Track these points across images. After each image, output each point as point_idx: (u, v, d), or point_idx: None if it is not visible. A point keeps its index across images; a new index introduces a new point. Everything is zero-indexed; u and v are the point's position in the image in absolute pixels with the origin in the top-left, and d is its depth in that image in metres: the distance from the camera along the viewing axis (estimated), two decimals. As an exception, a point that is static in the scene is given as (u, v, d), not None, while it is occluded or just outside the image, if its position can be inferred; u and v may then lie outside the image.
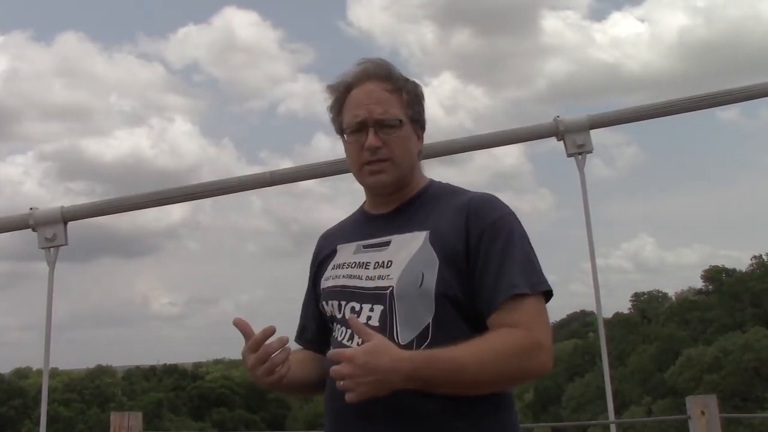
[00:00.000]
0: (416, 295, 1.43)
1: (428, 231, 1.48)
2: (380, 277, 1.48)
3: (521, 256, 1.45)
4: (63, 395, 43.66)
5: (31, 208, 3.65)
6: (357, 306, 1.49)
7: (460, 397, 1.39)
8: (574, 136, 3.71)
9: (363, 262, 1.53)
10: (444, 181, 1.65)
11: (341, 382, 1.32)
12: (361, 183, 1.61)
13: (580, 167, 3.74)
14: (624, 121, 3.98)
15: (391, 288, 1.45)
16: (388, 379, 1.31)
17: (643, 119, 4.02)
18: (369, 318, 1.46)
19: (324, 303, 1.59)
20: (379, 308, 1.46)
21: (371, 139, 1.51)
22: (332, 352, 1.38)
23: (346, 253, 1.59)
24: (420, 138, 1.62)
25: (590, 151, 3.73)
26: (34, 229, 3.61)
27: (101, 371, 52.73)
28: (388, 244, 1.52)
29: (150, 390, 49.19)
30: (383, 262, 1.50)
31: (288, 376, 1.48)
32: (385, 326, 1.43)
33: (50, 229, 3.58)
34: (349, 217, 1.71)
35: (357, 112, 1.54)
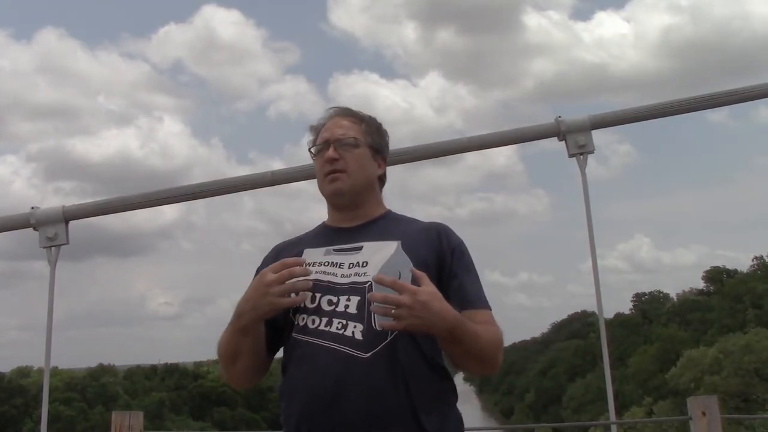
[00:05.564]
0: (392, 290, 1.56)
1: (399, 241, 1.73)
2: (356, 275, 1.68)
3: (478, 278, 1.80)
4: (64, 394, 43.69)
5: (32, 208, 3.66)
6: (334, 298, 1.65)
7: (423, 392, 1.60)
8: (575, 137, 3.71)
9: (336, 262, 1.72)
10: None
11: (393, 310, 1.50)
12: (323, 193, 1.86)
13: (582, 167, 3.73)
14: (626, 121, 3.97)
15: (369, 282, 1.63)
16: (436, 323, 1.53)
17: (645, 119, 4.00)
18: (347, 307, 1.63)
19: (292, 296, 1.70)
20: (356, 299, 1.63)
21: (330, 152, 1.80)
22: (393, 279, 1.55)
23: (314, 254, 1.76)
24: (381, 166, 1.90)
25: (591, 152, 3.72)
26: (35, 228, 3.62)
27: (103, 370, 52.79)
28: (360, 248, 1.74)
29: (151, 389, 49.25)
30: (358, 262, 1.70)
31: (258, 332, 1.67)
32: (363, 314, 1.61)
33: (51, 229, 3.59)
34: (307, 232, 1.92)
35: (323, 135, 1.86)
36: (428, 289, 1.54)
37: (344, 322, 1.61)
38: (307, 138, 1.95)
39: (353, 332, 1.60)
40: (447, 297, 1.65)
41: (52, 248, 3.60)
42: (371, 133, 1.88)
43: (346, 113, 1.90)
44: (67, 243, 3.63)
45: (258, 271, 1.84)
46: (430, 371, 1.64)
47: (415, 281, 1.58)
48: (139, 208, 3.91)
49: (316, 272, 1.70)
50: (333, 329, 1.61)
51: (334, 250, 1.76)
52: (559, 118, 3.77)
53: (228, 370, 1.75)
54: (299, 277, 1.61)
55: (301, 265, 1.64)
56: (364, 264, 1.69)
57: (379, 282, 1.56)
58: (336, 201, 1.84)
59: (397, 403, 1.56)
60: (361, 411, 1.54)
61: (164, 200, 3.84)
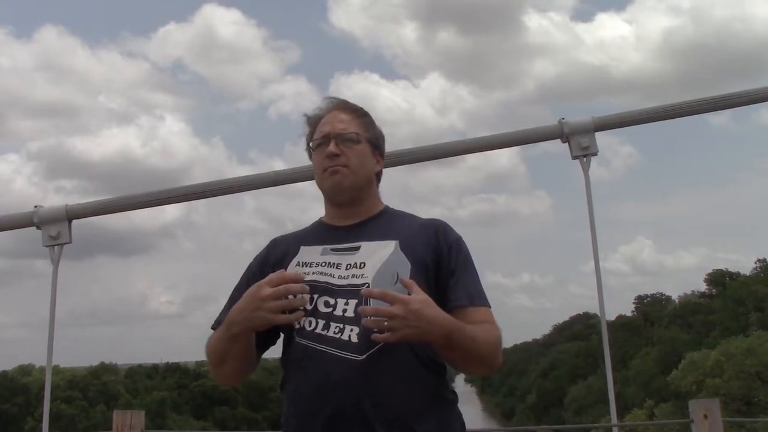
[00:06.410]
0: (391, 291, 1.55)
1: (397, 240, 1.71)
2: (354, 276, 1.65)
3: (477, 275, 1.77)
4: (65, 393, 43.72)
5: (35, 206, 3.65)
6: (331, 300, 1.64)
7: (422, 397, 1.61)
8: (579, 138, 3.70)
9: (333, 263, 1.70)
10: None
11: (386, 322, 1.48)
12: (322, 188, 1.82)
13: (585, 169, 3.72)
14: (630, 123, 3.96)
15: (366, 284, 1.62)
16: (431, 330, 1.50)
17: (648, 122, 3.99)
18: (344, 310, 1.61)
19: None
20: (353, 301, 1.61)
21: (331, 147, 1.76)
22: (382, 291, 1.52)
23: (311, 253, 1.74)
24: (379, 162, 1.86)
25: (595, 154, 3.72)
26: (38, 227, 3.62)
27: (104, 369, 52.79)
28: (357, 249, 1.71)
29: (153, 388, 49.25)
30: (356, 263, 1.68)
31: (250, 341, 1.66)
32: (359, 316, 1.57)
33: (54, 228, 3.59)
34: (304, 229, 1.88)
35: (323, 129, 1.81)
36: (419, 297, 1.51)
37: (341, 326, 1.61)
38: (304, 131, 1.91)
39: (350, 336, 1.59)
40: (446, 294, 1.67)
41: (55, 247, 3.60)
42: (370, 128, 1.85)
43: (345, 106, 1.86)
44: (70, 242, 3.63)
45: (250, 266, 1.84)
46: (426, 372, 1.63)
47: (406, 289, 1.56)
48: (143, 207, 3.91)
49: (313, 273, 1.69)
50: (330, 333, 1.61)
51: (331, 249, 1.74)
52: (563, 120, 3.77)
53: (215, 369, 1.76)
54: (296, 293, 1.58)
55: (300, 281, 1.59)
56: (362, 265, 1.67)
57: (368, 295, 1.55)
58: (336, 197, 1.81)
59: (391, 404, 1.56)
60: (358, 413, 1.54)
61: (169, 200, 3.84)
